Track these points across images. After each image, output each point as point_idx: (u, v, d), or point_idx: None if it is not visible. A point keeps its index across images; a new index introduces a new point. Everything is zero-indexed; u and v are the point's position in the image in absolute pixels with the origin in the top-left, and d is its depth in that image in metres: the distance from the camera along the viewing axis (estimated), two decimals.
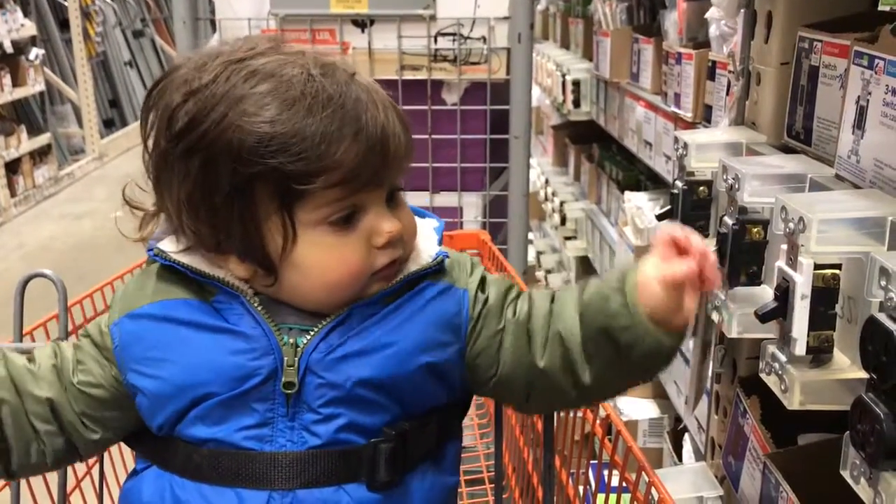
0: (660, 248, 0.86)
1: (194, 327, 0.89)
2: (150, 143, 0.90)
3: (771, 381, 0.92)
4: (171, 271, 0.92)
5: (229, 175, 0.84)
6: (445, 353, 0.92)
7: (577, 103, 2.81)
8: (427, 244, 0.97)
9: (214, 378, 0.88)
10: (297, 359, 0.88)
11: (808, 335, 0.85)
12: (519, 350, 0.94)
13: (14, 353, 0.96)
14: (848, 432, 0.78)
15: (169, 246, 0.93)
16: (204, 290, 0.91)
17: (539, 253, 3.91)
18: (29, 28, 6.36)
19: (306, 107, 0.84)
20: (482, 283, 0.96)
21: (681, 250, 0.84)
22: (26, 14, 6.55)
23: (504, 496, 1.22)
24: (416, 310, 0.92)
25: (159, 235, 0.95)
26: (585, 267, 3.15)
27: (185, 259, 0.91)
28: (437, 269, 0.94)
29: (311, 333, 0.89)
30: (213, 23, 2.44)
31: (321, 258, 0.87)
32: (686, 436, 1.69)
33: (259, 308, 0.89)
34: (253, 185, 0.85)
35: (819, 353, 0.86)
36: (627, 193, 2.19)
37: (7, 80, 5.91)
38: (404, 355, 0.90)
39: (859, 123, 0.96)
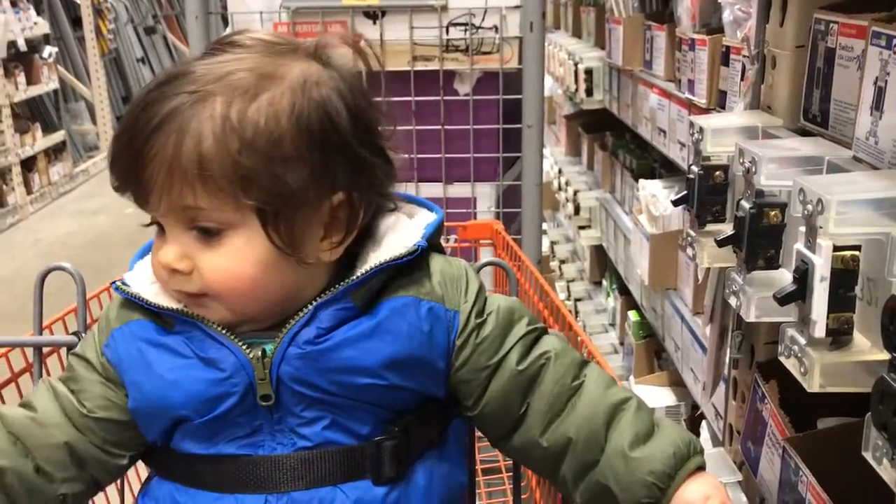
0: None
1: (163, 349, 0.89)
2: None
3: (790, 364, 0.91)
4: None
5: None
6: (424, 371, 0.90)
7: (589, 92, 2.80)
8: (405, 235, 0.92)
9: (189, 403, 0.88)
10: (266, 371, 0.86)
11: (828, 317, 0.84)
12: (507, 402, 0.91)
13: (10, 408, 0.95)
14: (869, 414, 0.77)
15: (136, 275, 0.94)
16: (168, 321, 0.90)
17: (553, 243, 3.90)
18: (42, 26, 6.40)
19: (137, 104, 0.84)
20: (478, 305, 0.92)
21: None
22: (39, 12, 6.60)
23: (521, 484, 1.22)
24: (394, 327, 0.88)
25: None
26: (600, 256, 3.14)
27: (147, 291, 0.91)
28: (425, 275, 0.90)
29: (277, 339, 0.87)
30: (224, 17, 2.45)
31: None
32: (703, 423, 1.69)
33: (219, 329, 0.88)
34: None
35: (839, 335, 0.85)
36: (642, 181, 2.18)
37: (21, 78, 5.95)
38: (375, 369, 0.87)
39: (877, 105, 0.95)
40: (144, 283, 0.92)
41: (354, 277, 0.87)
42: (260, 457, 0.88)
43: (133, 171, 0.82)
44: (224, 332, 0.88)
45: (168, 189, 0.81)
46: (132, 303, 0.92)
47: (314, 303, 0.87)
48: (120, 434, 0.93)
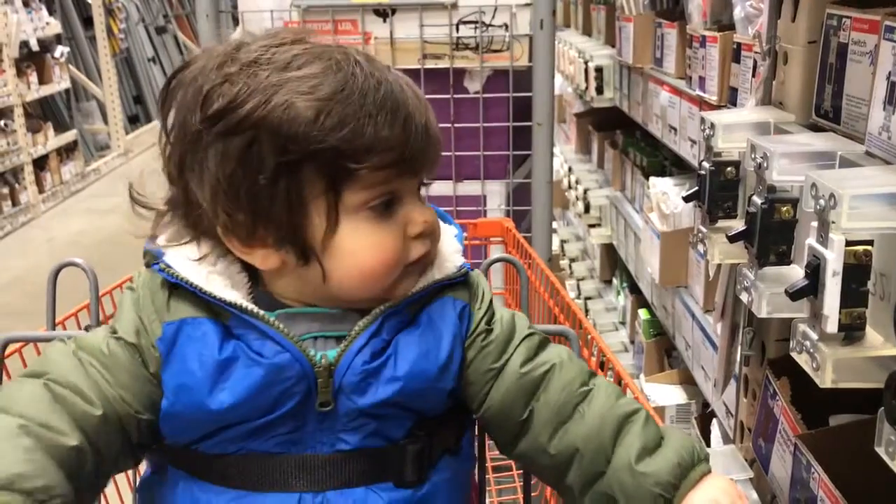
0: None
1: (219, 351, 0.86)
2: (175, 129, 0.88)
3: (802, 359, 0.91)
4: (178, 287, 0.88)
5: (277, 154, 0.83)
6: (459, 371, 0.92)
7: (599, 90, 2.79)
8: (451, 252, 0.95)
9: (245, 411, 0.86)
10: (331, 380, 0.87)
11: (840, 312, 0.84)
12: (508, 405, 0.92)
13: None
14: (882, 409, 0.77)
15: (176, 257, 0.89)
16: (217, 311, 0.88)
17: (563, 241, 3.90)
18: (54, 26, 6.43)
19: (359, 88, 0.84)
20: (489, 313, 0.95)
21: None
22: (51, 12, 6.63)
23: (532, 482, 1.22)
24: (443, 329, 0.91)
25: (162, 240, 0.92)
26: (610, 254, 3.14)
27: (194, 275, 0.88)
28: (461, 281, 0.94)
29: (342, 346, 0.88)
30: (234, 16, 2.45)
31: (360, 244, 0.86)
32: (714, 421, 1.68)
33: (279, 327, 0.87)
34: (302, 164, 0.83)
35: (851, 331, 0.85)
36: (652, 179, 2.18)
37: (33, 77, 5.99)
38: (431, 376, 0.90)
39: (890, 99, 0.95)
40: (193, 275, 0.88)
41: (420, 289, 0.91)
42: (295, 455, 0.88)
43: (425, 151, 0.88)
44: (285, 332, 0.87)
45: (434, 158, 0.90)
46: (178, 291, 0.88)
47: (380, 310, 0.89)
48: (140, 432, 0.89)
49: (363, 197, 0.85)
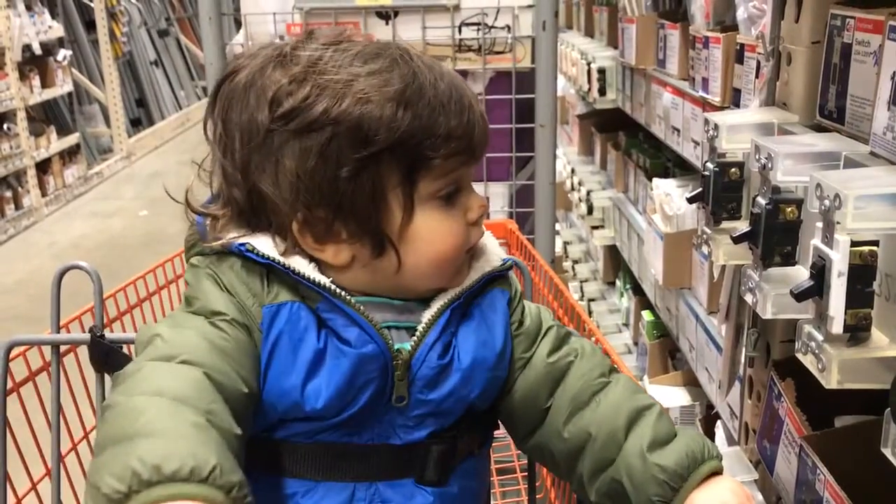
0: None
1: (318, 343, 0.87)
2: (239, 130, 0.87)
3: (807, 360, 0.91)
4: (271, 272, 0.88)
5: (358, 148, 0.84)
6: (506, 356, 0.95)
7: (602, 91, 2.79)
8: (494, 246, 0.99)
9: (334, 405, 0.87)
10: (407, 373, 0.89)
11: (846, 313, 0.84)
12: (534, 393, 0.95)
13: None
14: (889, 410, 0.77)
15: (259, 243, 0.88)
16: (305, 295, 0.88)
17: (566, 243, 3.89)
18: (56, 30, 6.44)
19: (427, 81, 0.86)
20: (521, 304, 0.99)
21: None
22: (54, 16, 6.64)
23: (536, 484, 1.22)
24: (495, 319, 0.95)
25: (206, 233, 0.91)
26: (613, 256, 3.13)
27: (280, 260, 0.87)
28: (504, 274, 0.97)
29: (416, 339, 0.90)
30: (236, 19, 2.46)
31: (434, 231, 0.89)
32: (718, 422, 1.68)
33: (365, 313, 0.88)
34: (381, 156, 0.85)
35: (857, 332, 0.85)
36: (655, 180, 2.17)
37: (36, 81, 5.99)
38: (490, 364, 0.93)
39: (895, 99, 0.95)
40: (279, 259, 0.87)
41: (473, 282, 0.93)
42: (355, 444, 0.89)
43: (483, 138, 0.91)
44: (368, 318, 0.87)
45: (486, 146, 0.92)
46: (269, 276, 0.88)
47: (444, 302, 0.91)
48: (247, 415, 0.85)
49: (436, 186, 0.88)
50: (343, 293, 0.88)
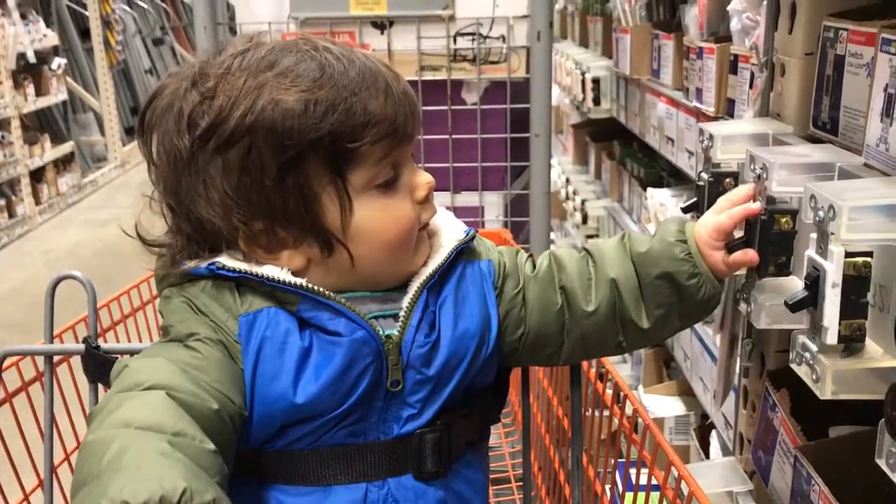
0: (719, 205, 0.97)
1: (302, 342, 0.86)
2: (164, 158, 0.88)
3: (802, 371, 0.91)
4: (241, 285, 0.87)
5: (277, 153, 0.83)
6: (493, 325, 0.95)
7: (597, 101, 2.80)
8: (453, 222, 0.99)
9: (326, 400, 0.86)
10: (400, 356, 0.89)
11: (840, 324, 0.84)
12: (546, 301, 0.98)
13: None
14: (883, 420, 0.77)
15: (225, 259, 0.88)
16: (283, 300, 0.88)
17: None
18: (51, 38, 6.44)
19: (336, 71, 0.85)
20: (496, 253, 1.00)
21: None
22: (48, 24, 6.64)
23: (531, 494, 1.21)
24: (470, 288, 0.95)
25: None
26: None
27: (251, 270, 0.87)
28: (471, 245, 0.98)
29: (401, 323, 0.90)
30: (232, 28, 2.46)
31: (378, 220, 0.88)
32: (713, 432, 1.68)
33: (350, 306, 0.88)
34: (304, 157, 0.84)
35: (851, 342, 0.85)
36: (650, 190, 2.18)
37: (31, 89, 5.99)
38: (475, 332, 0.93)
39: (888, 111, 0.95)
40: (250, 270, 0.87)
41: (443, 259, 0.93)
42: (360, 445, 0.89)
43: (412, 114, 0.90)
44: (353, 309, 0.87)
45: (419, 120, 0.92)
46: (242, 289, 0.87)
47: (419, 283, 0.92)
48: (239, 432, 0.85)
49: (370, 175, 0.87)
50: (323, 290, 0.88)
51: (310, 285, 0.87)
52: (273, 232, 0.87)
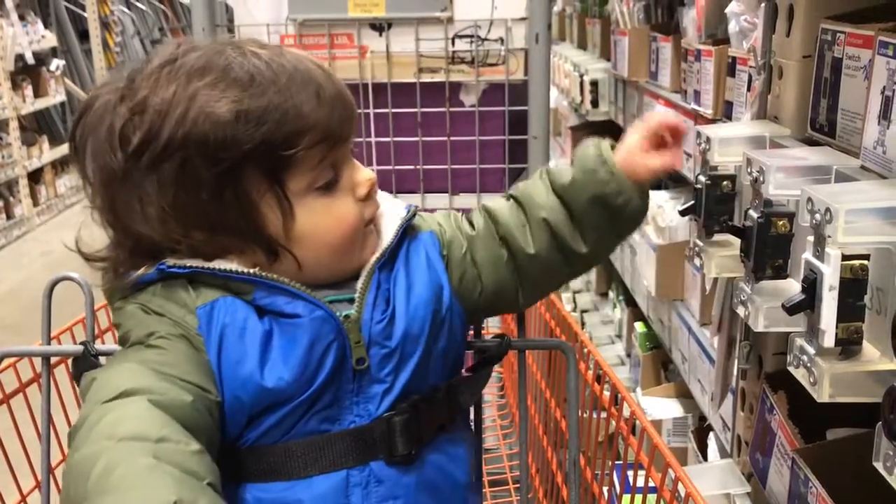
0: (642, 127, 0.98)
1: (260, 329, 0.86)
2: (97, 175, 0.87)
3: (799, 374, 0.91)
4: (193, 280, 0.87)
5: (211, 166, 0.83)
6: (445, 291, 0.96)
7: (595, 103, 2.80)
8: (393, 202, 1.00)
9: (295, 384, 0.86)
10: (360, 334, 0.89)
11: (837, 327, 0.84)
12: (493, 256, 0.99)
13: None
14: (880, 423, 0.77)
15: (175, 260, 0.88)
16: (237, 290, 0.87)
17: None
18: (50, 39, 6.44)
19: (265, 79, 0.84)
20: (439, 227, 1.01)
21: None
22: (47, 25, 6.63)
23: (528, 496, 1.21)
24: (416, 260, 0.96)
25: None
26: (606, 267, 3.14)
27: (201, 266, 0.87)
28: (412, 221, 0.99)
29: (357, 303, 0.90)
30: (230, 30, 2.46)
31: (320, 223, 0.88)
32: (711, 434, 1.68)
33: (304, 289, 0.88)
34: (240, 168, 0.84)
35: (848, 345, 0.85)
36: None
37: (29, 90, 5.98)
38: (428, 299, 0.93)
39: (885, 114, 0.95)
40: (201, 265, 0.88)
41: (391, 240, 0.95)
42: (336, 432, 0.89)
43: (347, 114, 0.90)
44: (311, 293, 0.88)
45: (354, 118, 0.92)
46: (195, 285, 0.87)
47: (370, 264, 0.93)
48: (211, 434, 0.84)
49: (308, 179, 0.87)
50: (277, 276, 0.87)
51: (263, 273, 0.87)
52: (215, 240, 0.87)
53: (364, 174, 0.92)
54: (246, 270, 0.87)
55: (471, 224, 1.02)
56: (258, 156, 0.83)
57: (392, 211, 0.98)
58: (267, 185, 0.85)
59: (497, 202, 1.03)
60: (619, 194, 0.96)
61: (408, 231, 0.98)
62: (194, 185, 0.83)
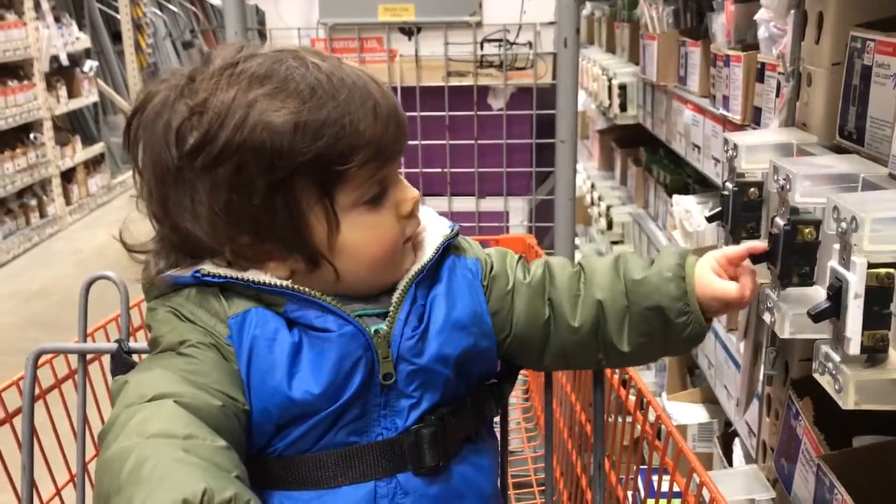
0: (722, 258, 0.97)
1: (292, 338, 0.87)
2: (150, 170, 0.88)
3: (825, 381, 0.91)
4: (226, 290, 0.89)
5: (266, 174, 0.84)
6: (485, 318, 0.97)
7: (623, 107, 2.80)
8: (438, 219, 1.00)
9: (322, 393, 0.87)
10: (389, 349, 0.90)
11: (863, 334, 0.84)
12: (534, 309, 0.99)
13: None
14: None
15: (210, 267, 0.89)
16: (269, 302, 0.89)
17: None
18: (84, 41, 6.53)
19: (326, 90, 0.85)
20: (483, 254, 1.02)
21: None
22: (81, 27, 6.73)
23: (553, 499, 1.22)
24: (460, 281, 0.96)
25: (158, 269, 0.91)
26: None
27: (236, 275, 0.88)
28: (456, 241, 0.99)
29: (389, 318, 0.91)
30: (261, 33, 2.49)
31: (364, 237, 0.89)
32: (736, 440, 1.68)
33: (336, 303, 0.89)
34: (293, 178, 0.85)
35: (874, 353, 0.85)
36: (676, 197, 2.18)
37: (63, 91, 6.07)
38: (465, 323, 0.94)
39: None
40: (235, 275, 0.89)
41: (431, 255, 0.95)
42: (364, 444, 0.90)
43: (400, 131, 0.91)
44: (342, 307, 0.89)
45: (405, 137, 0.93)
46: (227, 294, 0.88)
47: (407, 280, 0.93)
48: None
49: (357, 195, 0.88)
50: (308, 290, 0.89)
51: (295, 286, 0.88)
52: (259, 246, 0.88)
53: (409, 192, 0.93)
54: (278, 283, 0.88)
55: (527, 271, 1.01)
56: (312, 168, 0.84)
57: (435, 227, 0.98)
58: (317, 197, 0.86)
59: (561, 263, 1.02)
60: (683, 314, 0.95)
61: (451, 250, 0.98)
62: (246, 190, 0.84)
